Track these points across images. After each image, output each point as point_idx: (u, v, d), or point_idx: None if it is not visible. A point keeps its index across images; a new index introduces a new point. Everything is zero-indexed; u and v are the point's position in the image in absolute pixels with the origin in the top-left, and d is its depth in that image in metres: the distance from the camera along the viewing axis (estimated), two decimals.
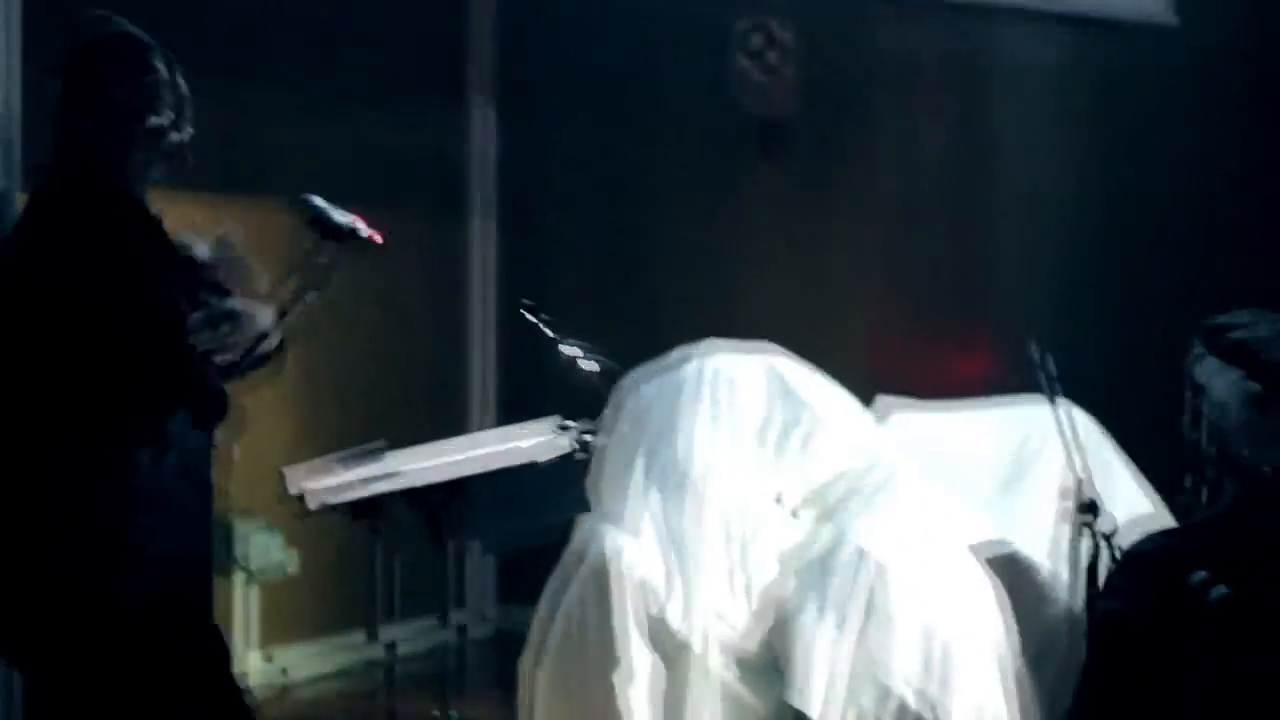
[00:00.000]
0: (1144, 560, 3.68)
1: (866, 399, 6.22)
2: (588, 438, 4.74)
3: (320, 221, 4.42)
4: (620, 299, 9.67)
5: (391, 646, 4.52)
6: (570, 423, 4.88)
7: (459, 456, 4.69)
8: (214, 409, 4.23)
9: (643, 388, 6.00)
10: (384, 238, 4.48)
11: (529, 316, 5.23)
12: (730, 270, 9.54)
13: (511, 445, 4.77)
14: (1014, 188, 9.09)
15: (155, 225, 4.28)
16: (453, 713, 4.66)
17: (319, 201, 4.45)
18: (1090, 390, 5.72)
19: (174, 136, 4.37)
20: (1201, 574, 3.50)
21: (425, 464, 4.63)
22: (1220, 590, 3.51)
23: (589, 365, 5.21)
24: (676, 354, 6.05)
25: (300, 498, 4.59)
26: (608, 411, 5.78)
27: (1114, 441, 5.87)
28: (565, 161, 9.89)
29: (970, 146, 9.27)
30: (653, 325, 9.20)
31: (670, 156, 9.63)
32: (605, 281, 9.78)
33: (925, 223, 9.29)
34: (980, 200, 9.21)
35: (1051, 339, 5.55)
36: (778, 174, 9.44)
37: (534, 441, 4.73)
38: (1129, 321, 8.65)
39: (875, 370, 7.73)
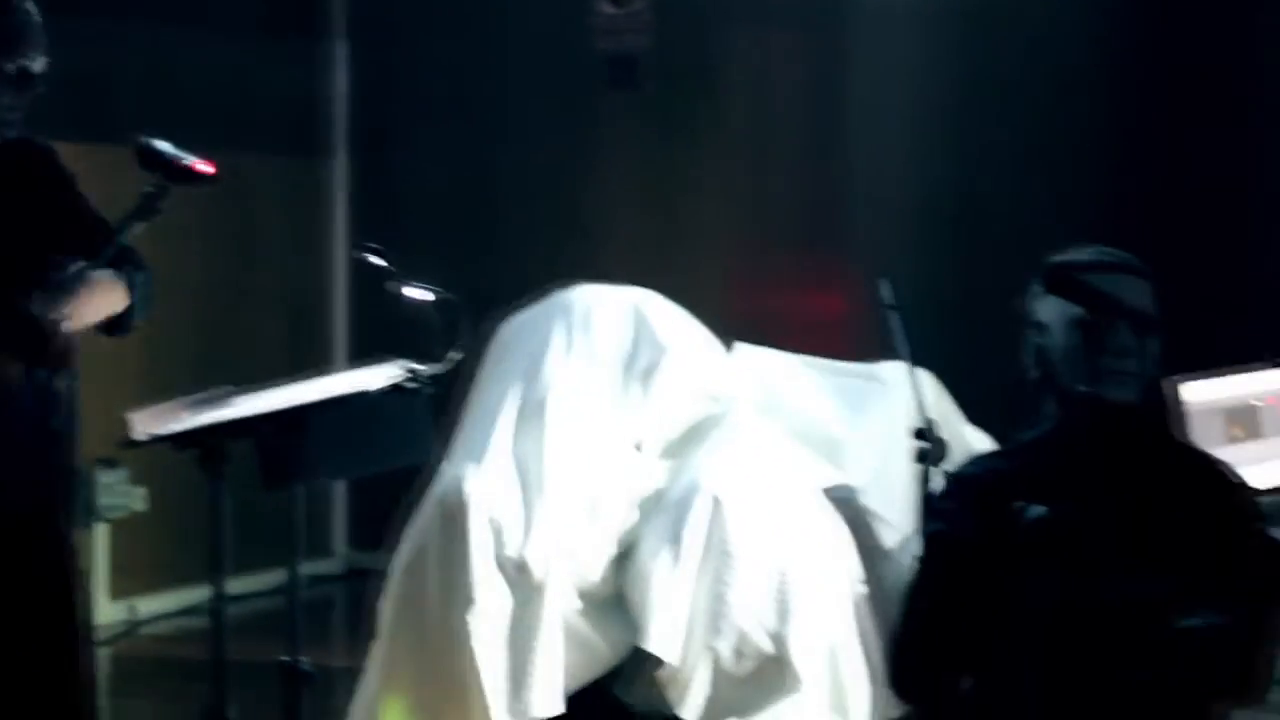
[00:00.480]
0: (967, 482, 3.71)
1: (721, 335, 6.20)
2: (419, 368, 4.68)
3: (147, 153, 4.36)
4: (474, 235, 9.63)
5: (222, 597, 4.47)
6: (418, 365, 4.82)
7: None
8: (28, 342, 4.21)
9: (510, 323, 5.96)
10: (219, 171, 4.43)
11: (371, 259, 5.16)
12: (585, 207, 9.51)
13: (343, 377, 4.71)
14: (871, 127, 9.10)
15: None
16: (302, 658, 4.62)
17: (152, 140, 4.39)
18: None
19: (34, 69, 4.40)
20: (1022, 500, 3.56)
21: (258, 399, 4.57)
22: (1038, 511, 3.55)
23: (428, 300, 5.13)
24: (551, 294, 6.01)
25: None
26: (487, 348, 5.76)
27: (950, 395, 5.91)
28: (419, 97, 9.82)
29: (827, 84, 9.27)
30: (507, 262, 9.17)
31: (524, 92, 9.58)
32: (459, 218, 9.73)
33: (782, 160, 9.28)
34: (837, 139, 9.21)
35: (906, 280, 5.56)
36: (630, 109, 9.40)
37: (369, 373, 4.67)
38: (977, 262, 8.68)
39: (729, 307, 7.74)
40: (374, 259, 4.95)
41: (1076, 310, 3.70)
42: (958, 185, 8.96)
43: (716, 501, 5.41)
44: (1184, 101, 8.95)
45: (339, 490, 9.84)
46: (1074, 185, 8.83)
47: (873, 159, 9.07)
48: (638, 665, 5.50)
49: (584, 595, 5.49)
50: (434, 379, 4.73)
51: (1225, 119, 9.20)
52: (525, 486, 5.51)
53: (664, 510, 5.50)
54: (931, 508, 3.76)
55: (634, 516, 5.56)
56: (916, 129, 9.01)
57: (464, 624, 5.37)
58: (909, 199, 8.99)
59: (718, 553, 5.37)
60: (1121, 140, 8.95)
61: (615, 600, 5.52)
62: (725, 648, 5.36)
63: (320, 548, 9.54)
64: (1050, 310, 3.75)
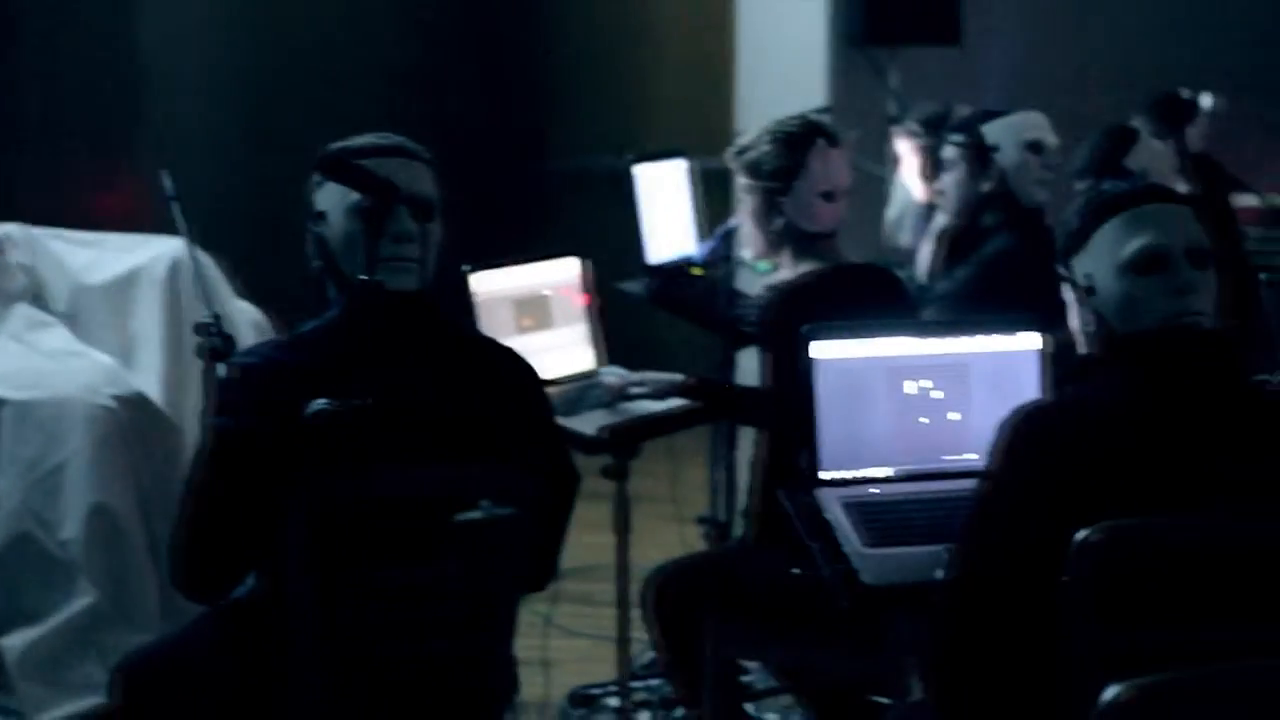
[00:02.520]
0: (248, 373, 3.55)
1: None
2: None
3: None
4: None
5: None
6: None
7: None
8: None
9: None
10: None
11: None
12: None
13: None
14: (164, 18, 8.82)
15: None
16: None
17: None
18: None
19: None
20: (305, 391, 3.42)
21: None
22: (320, 403, 3.43)
23: None
24: None
25: None
26: None
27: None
28: None
29: None
30: None
31: None
32: None
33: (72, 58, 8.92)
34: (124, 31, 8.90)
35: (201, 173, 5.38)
36: None
37: None
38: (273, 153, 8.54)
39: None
40: None
41: (353, 196, 3.58)
42: (254, 75, 8.78)
43: None
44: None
45: None
46: (362, 70, 8.77)
47: (165, 51, 8.79)
48: None
49: None
50: None
51: (519, 12, 9.30)
52: None
53: None
54: (214, 401, 3.58)
55: None
56: (210, 23, 8.78)
57: None
58: (202, 92, 8.76)
59: None
60: (413, 30, 8.92)
61: None
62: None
63: None
64: (329, 198, 3.62)
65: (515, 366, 3.73)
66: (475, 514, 3.39)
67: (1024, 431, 3.13)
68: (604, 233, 6.20)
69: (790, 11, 9.18)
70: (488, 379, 3.66)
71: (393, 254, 3.55)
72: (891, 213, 8.30)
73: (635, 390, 4.84)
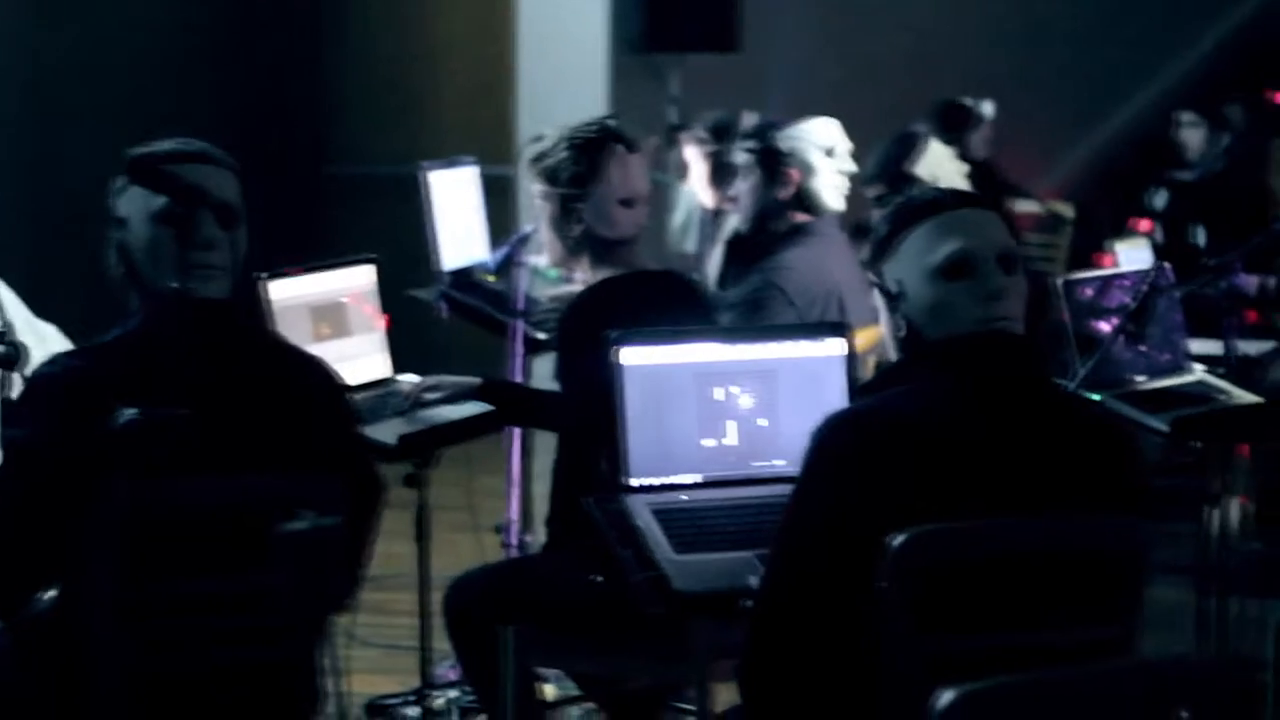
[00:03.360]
0: (47, 384, 3.47)
1: None
2: None
3: None
4: None
5: None
6: None
7: None
8: None
9: None
10: None
11: None
12: None
13: None
14: None
15: None
16: None
17: None
18: None
19: None
20: (111, 400, 3.33)
21: None
22: (130, 413, 3.34)
23: None
24: None
25: None
26: None
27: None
28: None
29: None
30: None
31: None
32: None
33: None
34: None
35: None
36: None
37: None
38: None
39: None
40: None
41: (157, 201, 3.50)
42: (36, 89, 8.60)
43: None
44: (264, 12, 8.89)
45: None
46: (142, 76, 8.63)
47: None
48: None
49: None
50: None
51: (302, 18, 9.20)
52: None
53: None
54: (10, 413, 3.49)
55: None
56: None
57: None
58: None
59: None
60: (193, 37, 8.80)
61: None
62: None
63: None
64: (131, 203, 3.54)
65: (320, 375, 3.68)
66: (301, 524, 3.33)
67: (834, 438, 3.14)
68: (391, 239, 6.16)
69: (570, 17, 9.20)
70: (294, 388, 3.60)
71: (200, 261, 3.49)
72: (676, 219, 8.33)
73: (430, 395, 4.80)
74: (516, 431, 5.46)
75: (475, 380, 4.76)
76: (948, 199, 3.29)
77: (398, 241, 5.94)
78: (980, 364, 3.18)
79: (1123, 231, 7.53)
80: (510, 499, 5.46)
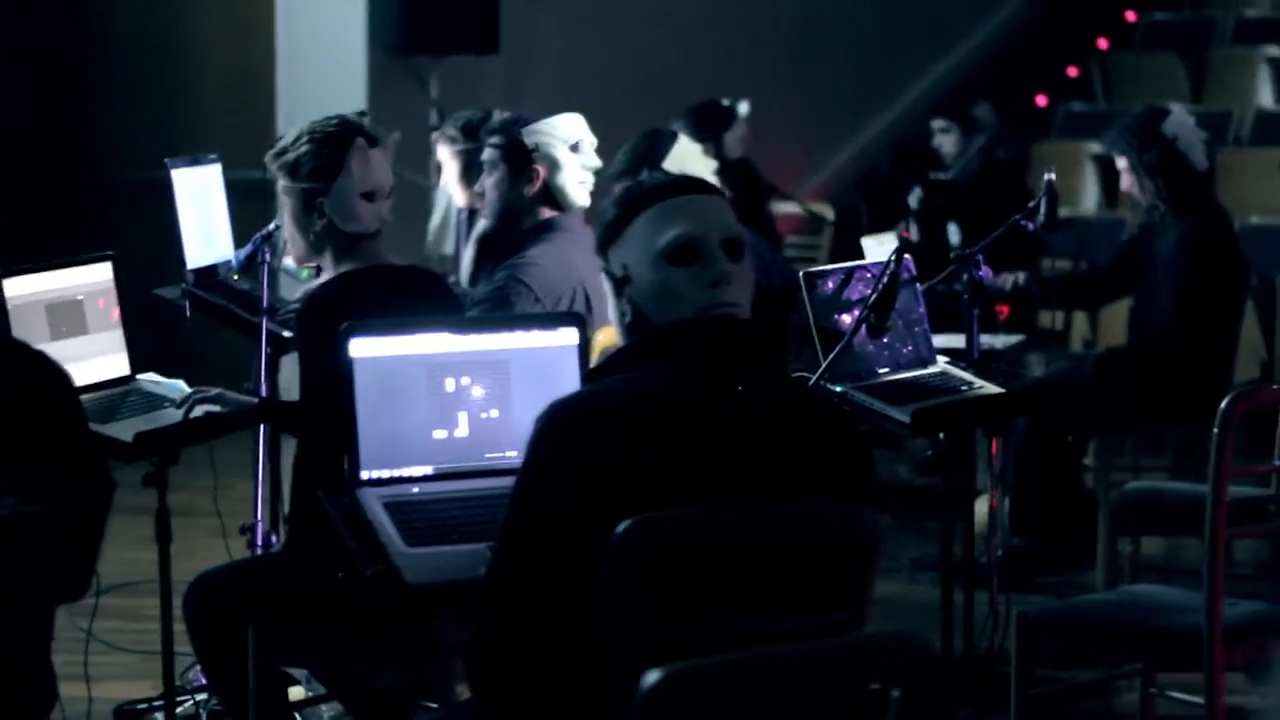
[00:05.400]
0: None
1: None
2: None
3: None
4: None
5: None
6: None
7: None
8: None
9: None
10: None
11: None
12: None
13: None
14: None
15: None
16: None
17: None
18: None
19: None
20: None
21: None
22: None
23: None
24: None
25: None
26: None
27: None
28: None
29: None
30: None
31: None
32: None
33: None
34: None
35: None
36: None
37: None
38: None
39: None
40: None
41: None
42: None
43: None
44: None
45: None
46: None
47: None
48: None
49: None
50: None
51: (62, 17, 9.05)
52: None
53: None
54: None
55: None
56: None
57: None
58: None
59: None
60: None
61: None
62: None
63: None
64: None
65: (42, 370, 3.60)
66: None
67: (554, 424, 3.13)
68: (151, 239, 6.09)
69: (328, 20, 9.14)
70: (12, 384, 3.52)
71: None
72: (434, 221, 8.29)
73: (207, 407, 4.76)
74: (262, 430, 5.39)
75: (253, 400, 4.77)
76: (674, 184, 3.30)
77: (159, 242, 5.86)
78: (703, 349, 3.19)
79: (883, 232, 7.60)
80: (257, 500, 5.39)
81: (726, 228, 3.25)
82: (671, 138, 5.93)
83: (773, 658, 2.70)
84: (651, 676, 2.54)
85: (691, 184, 3.32)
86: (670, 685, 2.55)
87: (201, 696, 5.32)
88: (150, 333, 5.29)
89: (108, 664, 5.69)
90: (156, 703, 5.33)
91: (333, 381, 3.80)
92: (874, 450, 3.51)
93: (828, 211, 10.15)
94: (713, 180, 3.87)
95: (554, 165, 5.24)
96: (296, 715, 5.09)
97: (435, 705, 4.67)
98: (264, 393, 5.14)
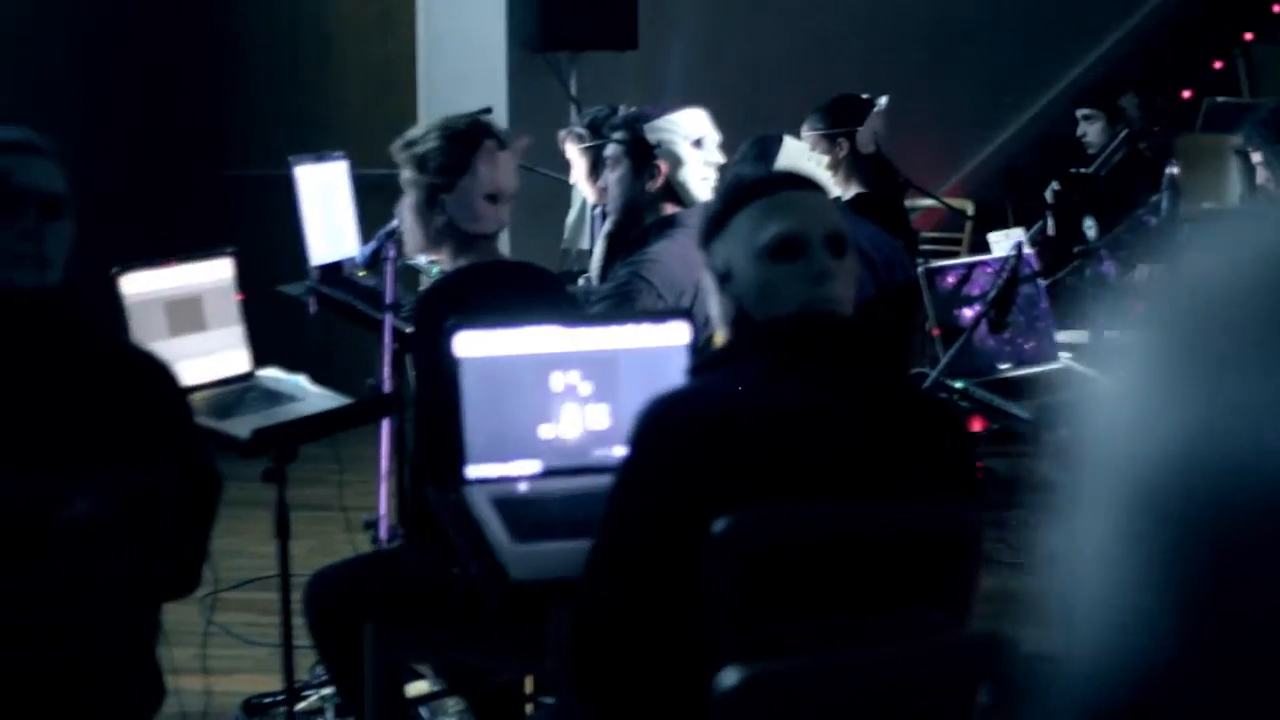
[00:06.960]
0: None
1: None
2: None
3: None
4: None
5: None
6: None
7: None
8: None
9: None
10: None
11: None
12: None
13: None
14: None
15: None
16: None
17: None
18: None
19: None
20: None
21: None
22: None
23: None
24: None
25: None
26: None
27: None
28: None
29: None
30: None
31: None
32: None
33: None
34: None
35: None
36: None
37: None
38: None
39: None
40: None
41: None
42: None
43: None
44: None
45: None
46: (27, 70, 8.56)
47: None
48: None
49: None
50: None
51: (196, 16, 9.13)
52: None
53: None
54: None
55: None
56: None
57: None
58: None
59: None
60: (78, 33, 8.72)
61: None
62: None
63: None
64: None
65: (145, 369, 3.59)
66: (74, 515, 3.27)
67: (654, 420, 3.12)
68: (278, 234, 6.12)
69: (469, 16, 9.16)
70: (112, 382, 3.52)
71: (11, 250, 3.42)
72: (571, 216, 8.29)
73: None
74: (385, 425, 5.41)
75: None
76: (776, 180, 3.28)
77: (284, 237, 5.90)
78: (803, 346, 3.16)
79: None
80: (380, 493, 5.41)
81: (829, 224, 3.22)
82: (778, 140, 5.88)
83: (851, 660, 2.66)
84: (730, 677, 2.51)
85: (793, 180, 3.30)
86: (751, 686, 2.52)
87: (327, 691, 5.34)
88: (275, 328, 5.32)
89: (237, 657, 5.74)
90: (281, 696, 5.35)
91: (441, 376, 3.80)
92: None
93: (968, 206, 10.04)
94: (825, 177, 3.84)
95: (676, 161, 5.22)
96: (422, 711, 5.11)
97: (553, 700, 4.67)
98: (387, 389, 5.17)
